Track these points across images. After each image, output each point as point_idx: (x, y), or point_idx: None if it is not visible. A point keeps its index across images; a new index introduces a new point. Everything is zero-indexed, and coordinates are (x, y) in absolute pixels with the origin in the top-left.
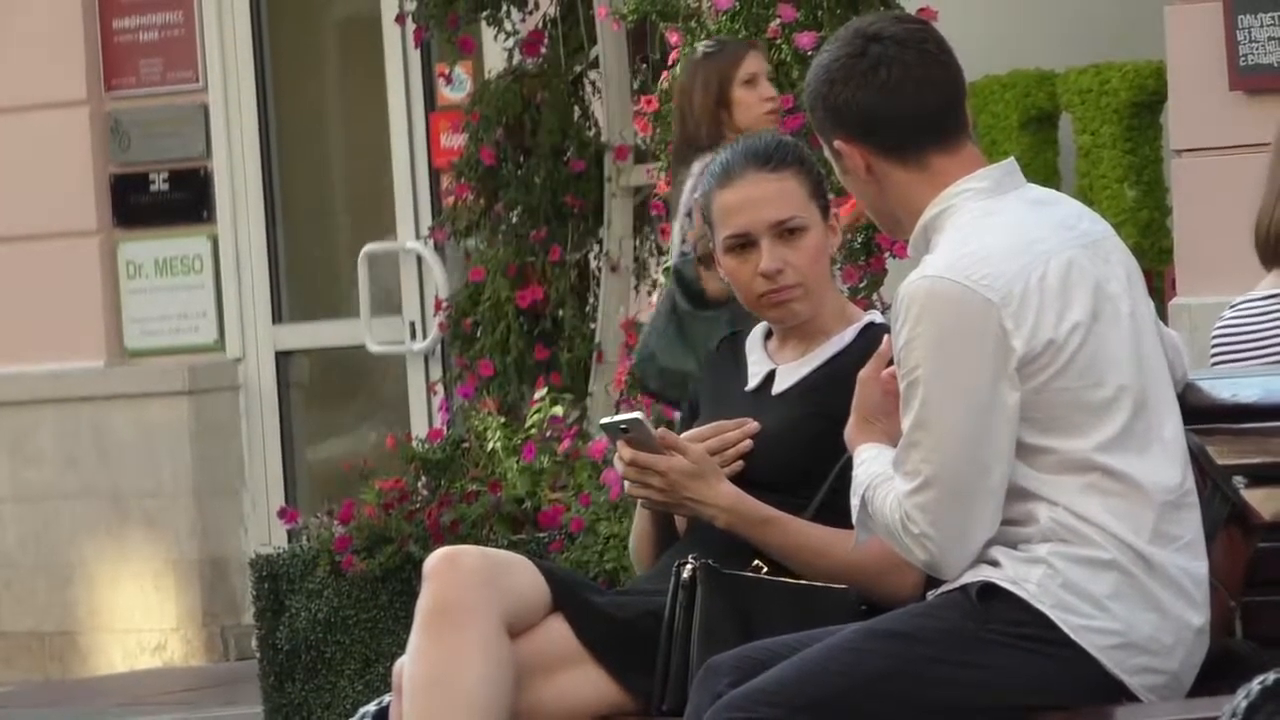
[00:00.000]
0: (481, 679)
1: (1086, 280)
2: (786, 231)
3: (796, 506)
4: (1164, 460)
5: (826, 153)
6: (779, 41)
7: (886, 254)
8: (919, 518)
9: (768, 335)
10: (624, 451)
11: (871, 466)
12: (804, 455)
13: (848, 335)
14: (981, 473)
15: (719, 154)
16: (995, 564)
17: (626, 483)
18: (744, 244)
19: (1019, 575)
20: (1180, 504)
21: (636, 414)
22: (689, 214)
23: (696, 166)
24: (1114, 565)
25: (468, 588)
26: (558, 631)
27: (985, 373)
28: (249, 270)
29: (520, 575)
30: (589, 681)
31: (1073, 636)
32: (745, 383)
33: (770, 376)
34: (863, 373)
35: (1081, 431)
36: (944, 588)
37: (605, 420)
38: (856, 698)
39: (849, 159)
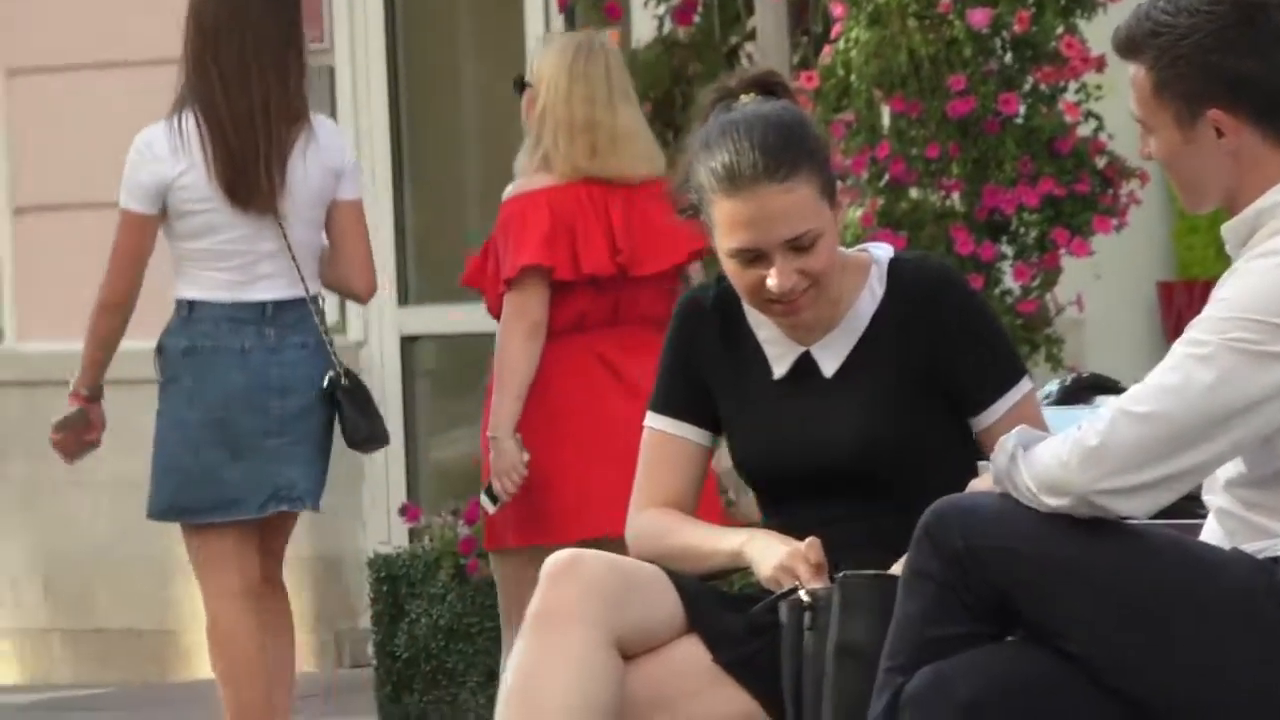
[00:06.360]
0: (570, 691)
1: None
2: (799, 245)
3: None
4: None
5: (1142, 111)
6: (951, 17)
7: (1062, 250)
8: (1121, 428)
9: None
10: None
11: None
12: (908, 428)
13: (876, 288)
14: (1214, 426)
15: (721, 137)
16: None
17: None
18: (752, 256)
19: None
20: None
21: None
22: None
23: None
24: None
25: (579, 597)
26: (695, 652)
27: None
28: (374, 248)
29: (651, 591)
30: (735, 700)
31: None
32: (766, 371)
33: (804, 360)
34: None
35: None
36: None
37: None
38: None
39: (1221, 128)
